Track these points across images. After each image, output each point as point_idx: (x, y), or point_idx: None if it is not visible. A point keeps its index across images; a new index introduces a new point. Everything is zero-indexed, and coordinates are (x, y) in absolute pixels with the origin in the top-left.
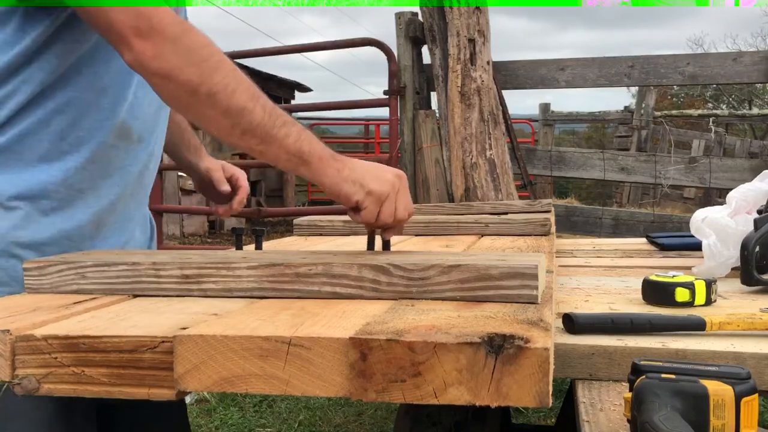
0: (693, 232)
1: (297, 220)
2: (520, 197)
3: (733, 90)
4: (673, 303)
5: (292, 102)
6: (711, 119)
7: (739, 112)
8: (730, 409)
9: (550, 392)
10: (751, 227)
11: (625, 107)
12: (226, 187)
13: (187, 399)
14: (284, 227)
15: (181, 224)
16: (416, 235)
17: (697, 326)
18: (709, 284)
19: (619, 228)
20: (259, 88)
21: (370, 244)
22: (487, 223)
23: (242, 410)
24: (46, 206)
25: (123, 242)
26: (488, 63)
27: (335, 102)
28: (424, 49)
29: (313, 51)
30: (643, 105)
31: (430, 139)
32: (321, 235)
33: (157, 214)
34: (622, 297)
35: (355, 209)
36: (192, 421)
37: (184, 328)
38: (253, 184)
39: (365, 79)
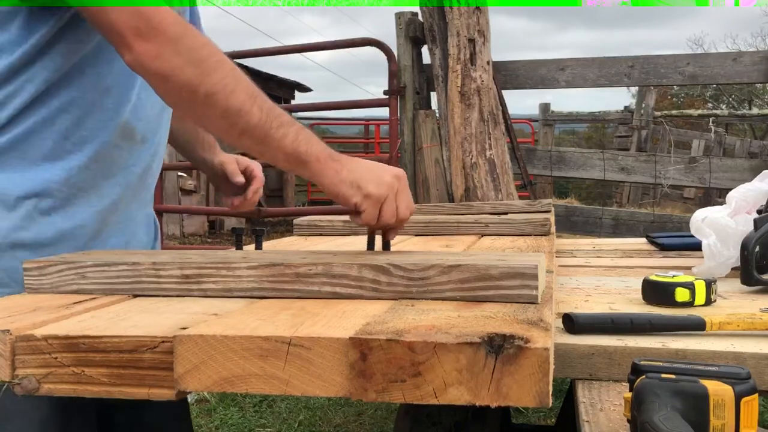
0: (693, 232)
1: (297, 220)
2: (520, 197)
3: (733, 90)
4: (673, 303)
5: (292, 102)
6: (711, 119)
7: (739, 112)
8: (730, 409)
9: (550, 392)
10: (751, 227)
11: (625, 107)
12: (240, 179)
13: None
14: (284, 227)
15: (181, 224)
16: (416, 235)
17: (697, 326)
18: (709, 284)
19: (619, 228)
20: (258, 88)
21: (370, 244)
22: (487, 223)
23: (242, 410)
24: (49, 205)
25: (125, 242)
26: (488, 63)
27: (335, 102)
28: (424, 49)
29: (313, 51)
30: (643, 105)
31: (430, 139)
32: (321, 235)
33: (157, 214)
34: (622, 297)
35: (355, 212)
36: (192, 421)
37: (184, 328)
38: None
39: (365, 79)
